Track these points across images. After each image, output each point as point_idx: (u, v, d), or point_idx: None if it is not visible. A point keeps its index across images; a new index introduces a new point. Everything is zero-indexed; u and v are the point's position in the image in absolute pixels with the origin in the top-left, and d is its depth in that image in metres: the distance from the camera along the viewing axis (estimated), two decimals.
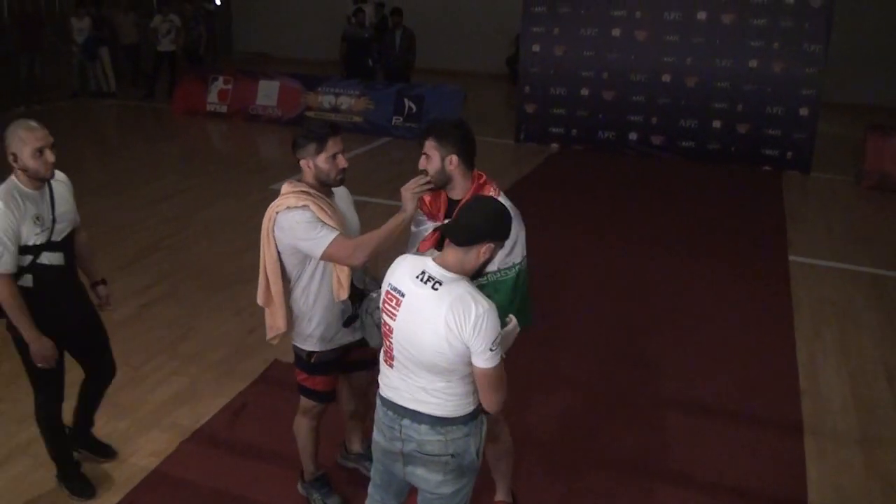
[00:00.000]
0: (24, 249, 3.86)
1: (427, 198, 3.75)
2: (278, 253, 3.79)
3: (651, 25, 12.01)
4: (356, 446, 4.63)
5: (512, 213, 3.32)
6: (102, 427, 4.94)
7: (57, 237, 3.97)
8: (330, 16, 19.18)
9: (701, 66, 11.88)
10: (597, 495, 4.49)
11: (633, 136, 12.45)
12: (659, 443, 4.98)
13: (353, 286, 3.81)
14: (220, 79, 14.41)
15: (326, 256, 3.63)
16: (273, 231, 3.75)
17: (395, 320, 3.02)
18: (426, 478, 3.16)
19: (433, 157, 3.62)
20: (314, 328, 3.91)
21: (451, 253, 2.97)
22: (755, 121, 11.80)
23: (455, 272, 2.96)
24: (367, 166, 11.34)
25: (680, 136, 12.22)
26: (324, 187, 3.85)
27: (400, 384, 3.10)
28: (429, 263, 2.99)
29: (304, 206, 3.67)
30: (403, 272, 3.04)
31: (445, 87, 13.91)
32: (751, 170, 11.73)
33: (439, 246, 3.45)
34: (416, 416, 3.08)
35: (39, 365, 4.00)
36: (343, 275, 3.77)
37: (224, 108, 14.24)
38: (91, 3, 15.50)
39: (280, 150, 12.97)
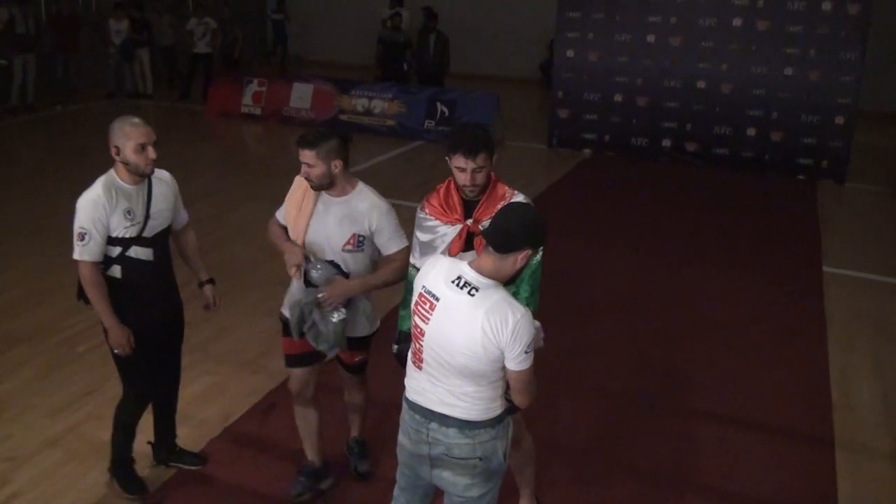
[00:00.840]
0: (113, 241, 3.96)
1: (435, 201, 3.76)
2: None
3: (686, 31, 11.93)
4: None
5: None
6: None
7: (148, 233, 4.05)
8: (364, 19, 19.22)
9: (736, 72, 11.79)
10: None
11: (666, 142, 12.38)
12: (687, 454, 4.95)
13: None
14: (255, 81, 14.51)
15: None
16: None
17: (427, 324, 3.02)
18: (453, 481, 3.16)
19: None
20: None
21: (489, 259, 2.97)
22: (790, 129, 11.68)
23: (491, 278, 2.96)
24: (399, 170, 11.37)
25: (714, 144, 12.13)
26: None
27: (428, 387, 3.10)
28: (464, 268, 3.00)
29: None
30: (438, 276, 3.04)
31: (478, 91, 13.91)
32: (785, 179, 11.62)
33: (467, 246, 3.53)
34: (445, 420, 3.08)
35: (116, 351, 4.08)
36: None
37: (258, 111, 14.34)
38: (132, 4, 15.67)
39: None
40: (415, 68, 14.58)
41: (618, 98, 12.50)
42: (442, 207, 3.73)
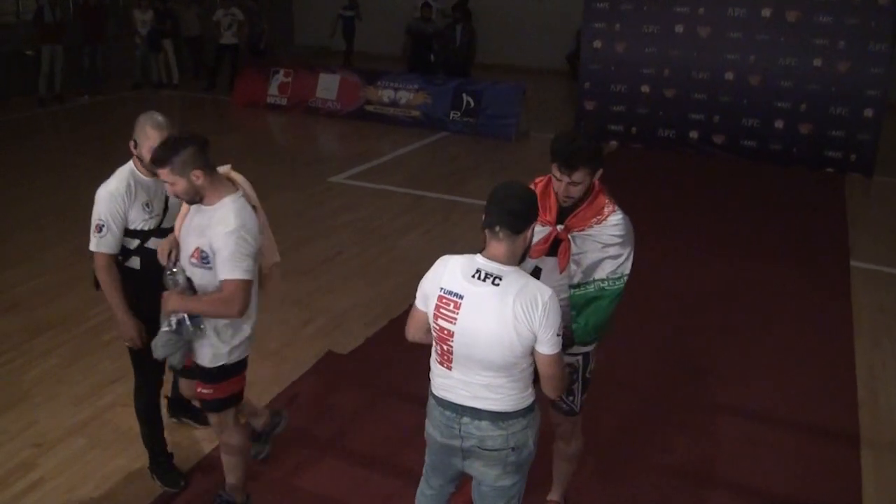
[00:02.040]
0: (131, 233, 3.99)
1: None
2: None
3: (714, 22, 11.81)
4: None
5: (627, 225, 3.50)
6: None
7: (167, 224, 4.07)
8: (391, 10, 19.22)
9: (764, 64, 11.66)
10: (649, 501, 4.45)
11: (693, 134, 12.28)
12: (712, 450, 4.92)
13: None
14: (281, 72, 14.55)
15: None
16: None
17: (455, 324, 3.00)
18: (485, 471, 3.19)
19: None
20: None
21: (501, 245, 2.97)
22: (818, 121, 11.55)
23: (509, 264, 2.98)
24: (424, 161, 11.36)
25: (741, 136, 12.01)
26: None
27: (459, 384, 3.10)
28: (479, 260, 3.00)
29: None
30: (454, 274, 3.03)
31: (504, 82, 13.87)
32: (813, 172, 11.49)
33: (551, 252, 3.48)
34: (477, 414, 3.09)
35: (126, 343, 4.12)
36: None
37: (284, 101, 14.38)
38: None
39: (339, 143, 13.08)
40: (441, 59, 14.56)
41: (645, 89, 12.42)
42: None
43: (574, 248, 3.48)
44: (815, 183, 11.02)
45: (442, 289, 3.04)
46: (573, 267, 3.49)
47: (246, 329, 3.84)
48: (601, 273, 3.49)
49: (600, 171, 3.46)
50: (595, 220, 3.46)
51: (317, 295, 6.85)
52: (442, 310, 3.03)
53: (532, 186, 3.59)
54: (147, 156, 3.83)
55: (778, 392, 5.57)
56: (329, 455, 4.70)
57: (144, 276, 4.04)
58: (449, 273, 3.05)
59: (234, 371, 3.87)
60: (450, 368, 3.10)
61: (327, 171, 10.43)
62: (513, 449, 3.13)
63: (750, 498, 4.50)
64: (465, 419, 3.11)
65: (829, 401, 5.49)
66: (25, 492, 4.33)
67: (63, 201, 8.97)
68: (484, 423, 3.09)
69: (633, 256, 3.55)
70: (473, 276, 2.98)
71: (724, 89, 11.96)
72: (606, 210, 3.49)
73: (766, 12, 11.49)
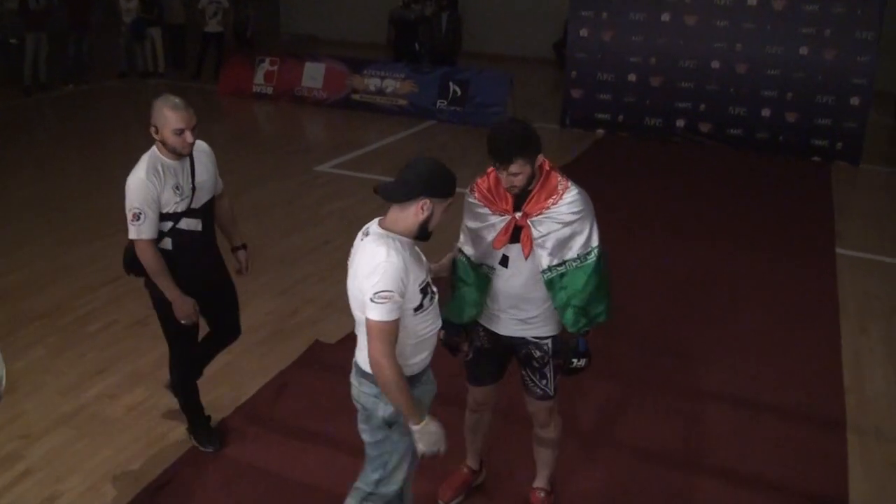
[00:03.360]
0: (164, 216, 4.06)
1: (483, 186, 3.61)
2: None
3: (701, 10, 11.80)
4: None
5: (584, 199, 3.49)
6: (145, 401, 5.04)
7: (196, 205, 4.15)
8: None
9: (751, 52, 11.66)
10: (635, 486, 4.46)
11: (680, 123, 12.29)
12: (699, 435, 4.94)
13: None
14: (267, 60, 14.47)
15: None
16: None
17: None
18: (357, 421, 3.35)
19: None
20: None
21: (390, 211, 3.10)
22: (805, 110, 11.56)
23: (388, 229, 3.09)
24: (411, 149, 11.33)
25: (728, 124, 12.02)
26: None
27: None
28: (374, 222, 3.15)
29: None
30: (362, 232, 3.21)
31: (491, 71, 13.84)
32: (799, 160, 11.52)
33: (513, 240, 3.49)
34: (354, 363, 3.28)
35: (183, 321, 4.20)
36: None
37: (270, 90, 14.30)
38: None
39: (325, 132, 13.04)
40: (426, 48, 14.52)
41: (632, 78, 12.41)
42: (490, 194, 3.58)
43: (535, 233, 3.48)
44: (801, 171, 11.06)
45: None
46: (540, 251, 3.50)
47: None
48: (571, 253, 3.50)
49: (540, 156, 3.46)
50: (551, 200, 3.47)
51: (304, 284, 6.83)
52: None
53: (485, 177, 3.63)
54: (170, 139, 3.93)
55: (764, 378, 5.60)
56: (317, 445, 4.70)
57: (177, 257, 4.14)
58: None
59: None
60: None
61: (313, 161, 10.39)
62: (364, 407, 3.24)
63: (735, 483, 4.52)
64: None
65: (816, 386, 5.52)
66: (12, 483, 4.31)
67: (48, 191, 8.91)
68: (352, 373, 3.29)
69: (598, 229, 3.60)
70: (361, 233, 3.17)
71: (711, 78, 11.96)
72: (560, 188, 3.50)
73: (753, 1, 11.49)
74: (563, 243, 3.49)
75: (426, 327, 3.18)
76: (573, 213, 3.48)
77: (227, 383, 5.29)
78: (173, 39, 16.58)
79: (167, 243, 4.13)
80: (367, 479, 3.38)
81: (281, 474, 4.43)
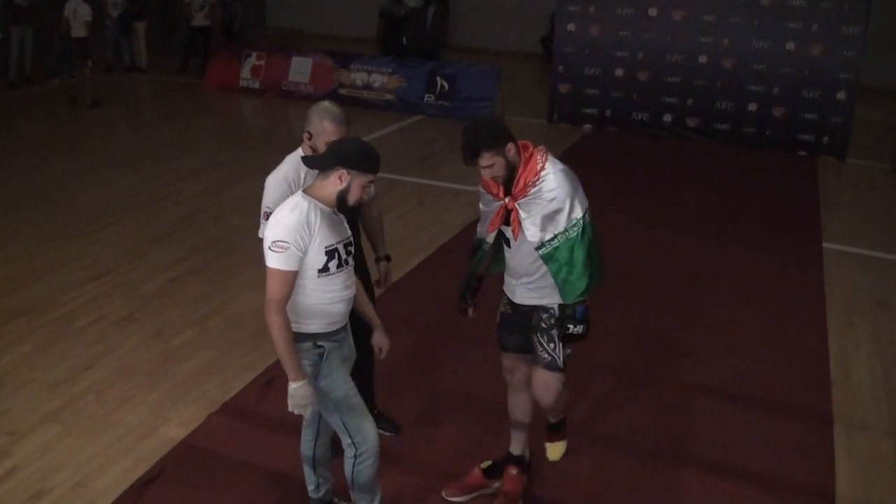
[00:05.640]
0: None
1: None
2: None
3: (688, 5, 11.82)
4: None
5: (563, 175, 3.69)
6: (133, 397, 5.02)
7: None
8: None
9: (738, 47, 11.70)
10: (623, 479, 4.48)
11: (667, 117, 12.32)
12: (686, 428, 4.96)
13: None
14: (254, 55, 14.42)
15: None
16: None
17: None
18: None
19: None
20: None
21: (315, 180, 3.40)
22: (791, 104, 11.61)
23: (309, 194, 3.33)
24: (399, 145, 11.32)
25: (715, 119, 12.06)
26: None
27: None
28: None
29: None
30: None
31: (479, 65, 13.83)
32: (786, 154, 11.57)
33: (505, 221, 3.75)
34: None
35: None
36: None
37: (257, 84, 14.26)
38: None
39: None
40: (414, 42, 14.49)
41: (619, 73, 12.43)
42: (487, 182, 3.81)
43: (523, 214, 3.70)
44: (788, 165, 11.11)
45: None
46: (531, 229, 3.70)
47: None
48: (559, 227, 3.68)
49: (510, 145, 3.66)
50: (532, 182, 3.67)
51: None
52: None
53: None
54: (322, 149, 3.85)
55: (751, 371, 5.62)
56: None
57: None
58: None
59: None
60: None
61: None
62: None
63: (723, 476, 4.54)
64: None
65: (803, 380, 5.55)
66: None
67: (35, 186, 8.86)
68: None
69: (586, 202, 3.80)
70: None
71: (698, 72, 11.99)
72: (538, 168, 3.70)
73: None
74: (549, 219, 3.69)
75: (327, 294, 3.37)
76: (553, 189, 3.67)
77: (215, 378, 5.28)
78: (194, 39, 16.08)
79: None
80: (347, 448, 3.60)
81: (269, 468, 4.43)
